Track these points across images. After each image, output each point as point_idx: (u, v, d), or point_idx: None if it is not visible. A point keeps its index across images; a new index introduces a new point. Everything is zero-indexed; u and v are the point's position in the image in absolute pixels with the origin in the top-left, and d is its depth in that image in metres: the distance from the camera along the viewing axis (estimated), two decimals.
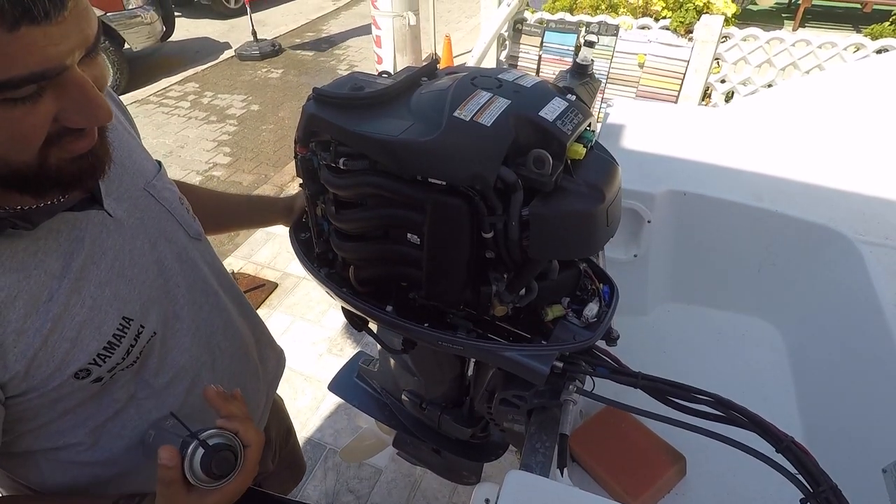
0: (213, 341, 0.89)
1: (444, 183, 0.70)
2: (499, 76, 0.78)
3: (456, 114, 0.70)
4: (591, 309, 0.87)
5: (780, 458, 0.69)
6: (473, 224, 0.72)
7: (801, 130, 1.40)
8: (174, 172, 3.87)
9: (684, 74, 3.67)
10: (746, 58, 3.60)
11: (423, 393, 1.33)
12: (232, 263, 2.89)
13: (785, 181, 1.19)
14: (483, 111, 0.70)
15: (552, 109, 0.72)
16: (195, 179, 3.79)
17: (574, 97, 0.80)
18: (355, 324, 1.04)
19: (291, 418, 2.32)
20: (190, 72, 5.65)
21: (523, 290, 0.81)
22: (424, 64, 0.89)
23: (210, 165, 3.94)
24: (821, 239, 1.07)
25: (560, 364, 0.83)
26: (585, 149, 0.73)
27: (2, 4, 0.43)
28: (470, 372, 1.28)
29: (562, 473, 0.80)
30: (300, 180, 0.95)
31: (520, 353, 0.83)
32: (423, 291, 0.87)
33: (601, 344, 0.89)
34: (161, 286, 0.80)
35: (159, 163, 0.86)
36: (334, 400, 2.08)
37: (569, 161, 0.72)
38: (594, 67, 1.19)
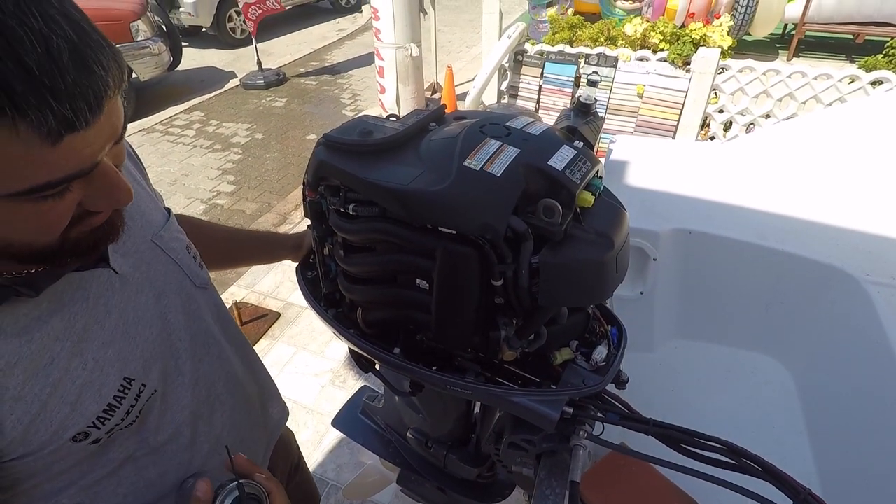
0: (213, 394, 0.88)
1: (454, 231, 0.70)
2: (507, 123, 0.79)
3: (466, 163, 0.71)
4: (600, 352, 0.87)
5: None
6: (483, 272, 0.72)
7: (805, 167, 1.42)
8: (178, 200, 3.90)
9: (683, 105, 3.72)
10: (744, 89, 3.66)
11: (428, 431, 1.31)
12: (234, 293, 2.88)
13: (790, 219, 1.20)
14: (493, 160, 0.71)
15: (561, 158, 0.73)
16: (199, 207, 3.82)
17: (581, 144, 0.81)
18: (362, 365, 1.03)
19: None
20: (195, 100, 5.74)
21: (532, 336, 0.81)
22: (432, 109, 0.90)
23: (214, 193, 3.97)
24: (827, 278, 1.07)
25: (570, 409, 0.82)
26: (594, 196, 0.74)
27: (47, 120, 0.44)
28: (476, 410, 1.26)
29: None
30: (308, 220, 0.96)
31: (529, 399, 0.82)
32: (432, 335, 0.87)
33: (610, 387, 0.88)
34: (164, 341, 0.79)
35: (168, 210, 0.87)
36: (337, 434, 2.05)
37: (578, 209, 0.72)
38: (597, 103, 1.20)
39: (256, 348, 2.54)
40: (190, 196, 3.94)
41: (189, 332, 0.84)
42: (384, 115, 0.88)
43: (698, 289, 1.24)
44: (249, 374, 1.03)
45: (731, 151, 1.55)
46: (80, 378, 0.64)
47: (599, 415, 0.84)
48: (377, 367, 1.03)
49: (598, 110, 1.23)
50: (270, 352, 2.50)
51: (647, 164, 1.44)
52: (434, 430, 1.29)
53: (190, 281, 0.86)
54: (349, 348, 1.03)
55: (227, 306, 2.69)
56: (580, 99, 1.23)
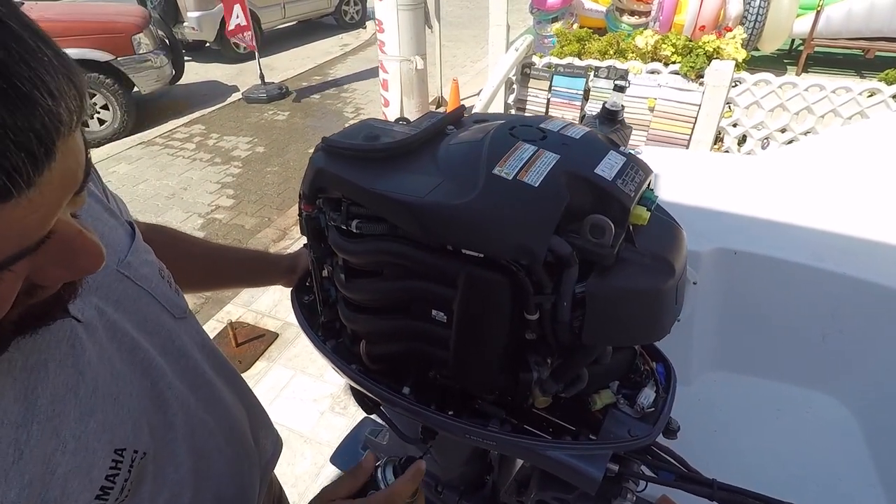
0: (210, 444, 0.73)
1: (481, 255, 0.58)
2: (541, 126, 0.67)
3: (496, 171, 0.58)
4: (647, 396, 0.74)
5: None
6: (516, 304, 0.59)
7: (865, 180, 1.29)
8: (176, 215, 3.79)
9: (695, 118, 3.62)
10: (759, 102, 3.56)
11: (438, 473, 1.17)
12: (231, 311, 2.75)
13: (850, 238, 1.07)
14: (528, 168, 0.58)
15: (610, 166, 0.60)
16: (197, 222, 3.71)
17: (630, 151, 0.69)
18: (366, 406, 0.90)
19: (290, 486, 2.14)
20: (197, 114, 5.67)
21: (571, 379, 0.68)
22: (451, 110, 0.78)
23: (213, 208, 3.86)
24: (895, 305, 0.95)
25: (615, 466, 0.69)
26: (649, 212, 0.61)
27: None
28: (494, 453, 1.12)
29: None
30: (305, 239, 0.83)
31: (567, 454, 0.69)
32: (450, 375, 0.74)
33: (658, 437, 0.75)
34: (148, 393, 0.64)
35: (131, 224, 0.71)
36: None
37: (631, 227, 0.60)
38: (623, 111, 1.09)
39: (252, 371, 2.41)
40: (188, 210, 3.83)
41: (176, 376, 0.69)
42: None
43: (743, 316, 1.10)
44: (242, 409, 0.88)
45: (770, 163, 1.43)
46: (61, 465, 0.49)
47: (651, 474, 0.70)
48: (383, 407, 0.90)
49: (624, 118, 1.11)
50: (267, 375, 2.36)
51: (679, 176, 1.32)
52: (445, 473, 1.15)
53: (169, 313, 0.71)
54: (350, 388, 0.90)
55: (223, 326, 2.57)
56: (606, 106, 1.11)
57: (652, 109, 3.72)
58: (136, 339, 0.63)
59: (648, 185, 0.66)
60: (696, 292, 1.08)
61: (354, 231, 0.66)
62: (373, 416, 1.04)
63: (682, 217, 1.10)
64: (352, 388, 0.90)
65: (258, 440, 0.90)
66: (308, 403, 2.22)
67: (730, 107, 3.68)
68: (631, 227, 0.60)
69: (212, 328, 2.65)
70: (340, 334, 0.88)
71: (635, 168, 0.62)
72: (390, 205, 0.61)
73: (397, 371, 0.83)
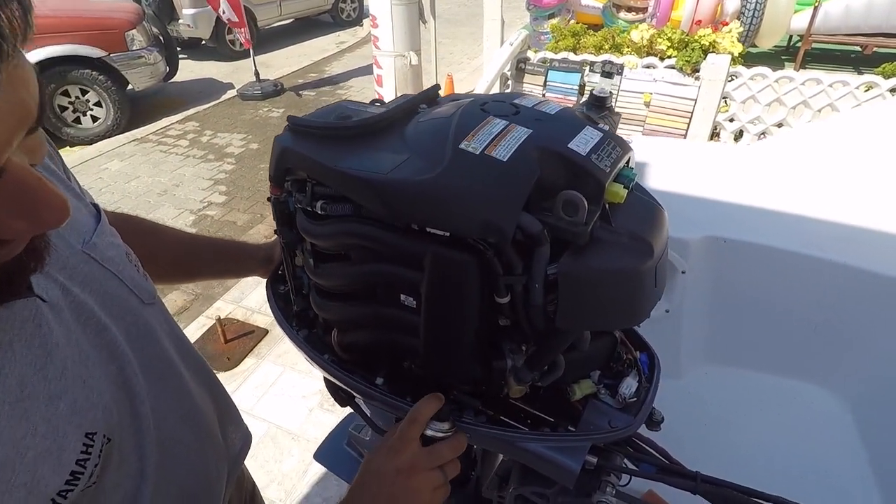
0: (175, 436, 0.70)
1: (447, 234, 0.54)
2: (515, 101, 0.64)
3: (463, 145, 0.55)
4: (629, 385, 0.71)
5: None
6: (485, 286, 0.56)
7: (861, 166, 1.26)
8: (167, 211, 3.75)
9: (692, 113, 3.59)
10: (755, 96, 3.52)
11: None
12: (220, 308, 2.72)
13: (841, 226, 1.04)
14: (497, 142, 0.55)
15: (585, 141, 0.57)
16: (189, 219, 3.67)
17: (607, 127, 0.66)
18: (340, 399, 0.87)
19: (276, 483, 2.10)
20: (191, 111, 5.63)
21: (546, 367, 0.65)
22: (425, 89, 0.75)
23: (205, 204, 3.83)
24: (891, 293, 0.91)
25: (594, 459, 0.66)
26: (627, 190, 0.58)
27: None
28: (478, 448, 1.09)
29: None
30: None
31: (543, 446, 0.66)
32: (421, 365, 0.71)
33: (641, 429, 0.71)
34: (115, 378, 0.60)
35: (96, 207, 0.69)
36: None
37: (607, 205, 0.57)
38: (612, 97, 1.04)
39: (240, 367, 2.37)
40: (180, 207, 3.80)
41: (141, 362, 0.65)
42: None
43: (733, 306, 1.07)
44: (209, 401, 0.85)
45: (764, 152, 1.39)
46: (31, 449, 0.46)
47: (632, 466, 0.67)
48: (357, 400, 0.87)
49: (612, 105, 1.08)
50: (256, 371, 2.33)
51: (669, 165, 1.29)
52: None
53: (136, 297, 0.67)
54: (324, 379, 0.86)
55: (212, 323, 2.54)
56: (594, 93, 1.07)
57: (647, 104, 3.69)
58: (104, 321, 0.60)
59: (627, 163, 0.62)
60: (685, 282, 1.04)
61: (320, 213, 0.63)
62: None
63: (670, 205, 1.06)
64: (325, 380, 0.87)
65: (226, 434, 0.87)
66: (297, 400, 2.19)
67: (726, 101, 3.65)
68: (607, 206, 0.57)
69: (201, 325, 2.62)
70: (314, 324, 0.85)
71: (612, 144, 0.59)
72: (353, 182, 0.57)
73: (371, 361, 0.80)
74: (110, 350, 0.59)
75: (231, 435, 0.89)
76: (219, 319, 2.43)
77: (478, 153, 0.54)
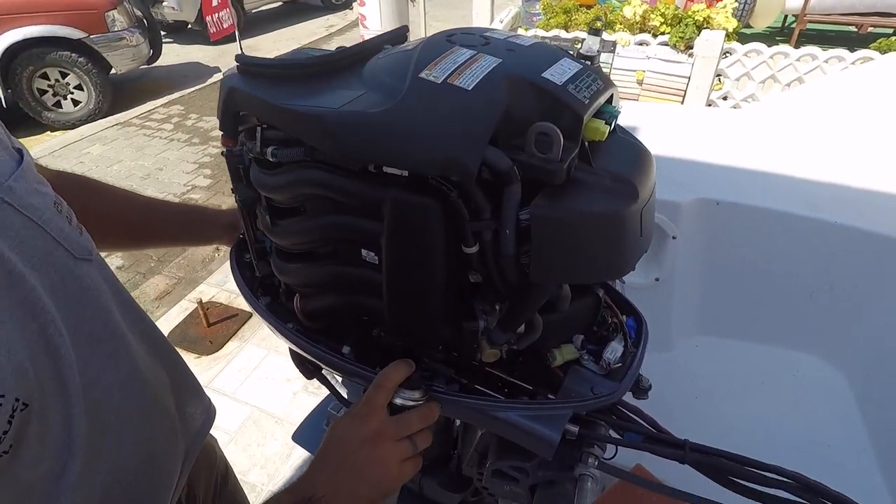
0: (109, 405, 0.64)
1: (405, 173, 0.48)
2: (485, 34, 0.57)
3: (423, 75, 0.49)
4: (614, 350, 0.65)
5: None
6: (450, 234, 0.50)
7: (861, 126, 1.20)
8: (151, 195, 3.66)
9: (685, 92, 3.52)
10: (750, 73, 3.46)
11: None
12: (203, 291, 2.65)
13: (839, 186, 0.98)
14: (462, 71, 0.49)
15: (561, 71, 0.51)
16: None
17: (588, 62, 0.59)
18: (306, 371, 0.81)
19: (259, 467, 2.06)
20: (176, 95, 5.50)
21: (522, 328, 0.59)
22: (391, 29, 0.68)
23: (189, 188, 3.74)
24: (894, 256, 0.86)
25: (575, 428, 0.61)
26: (608, 126, 0.52)
27: None
28: (459, 422, 1.04)
29: None
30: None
31: (519, 414, 0.60)
32: (388, 329, 0.65)
33: (628, 398, 0.66)
34: (35, 338, 0.54)
35: (21, 151, 0.62)
36: None
37: (586, 143, 0.51)
38: (600, 56, 0.98)
39: (223, 351, 2.32)
40: (163, 190, 3.71)
41: (72, 322, 0.58)
42: None
43: (726, 273, 1.02)
44: (161, 371, 0.78)
45: (757, 113, 1.34)
46: None
47: (616, 436, 0.62)
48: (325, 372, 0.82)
49: (601, 65, 1.02)
50: (239, 355, 2.27)
51: (660, 130, 1.23)
52: None
53: (66, 251, 0.61)
54: (289, 350, 0.81)
55: (194, 307, 2.47)
56: (581, 51, 1.01)
57: (640, 83, 3.62)
58: (20, 270, 0.53)
59: (611, 101, 0.56)
60: (676, 248, 0.99)
61: (271, 160, 0.57)
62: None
63: (660, 168, 1.01)
64: (291, 352, 0.81)
65: (183, 408, 0.81)
66: (281, 383, 2.14)
67: (720, 79, 3.58)
68: (587, 144, 0.51)
69: (184, 308, 2.55)
70: (279, 293, 0.80)
71: (592, 76, 0.52)
72: (301, 120, 0.51)
73: (337, 330, 0.74)
74: (29, 306, 0.52)
75: (190, 409, 0.83)
76: (200, 303, 2.37)
77: (439, 82, 0.48)
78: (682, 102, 3.51)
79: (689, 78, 3.46)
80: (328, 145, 0.50)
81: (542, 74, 0.49)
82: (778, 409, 0.92)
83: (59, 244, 0.59)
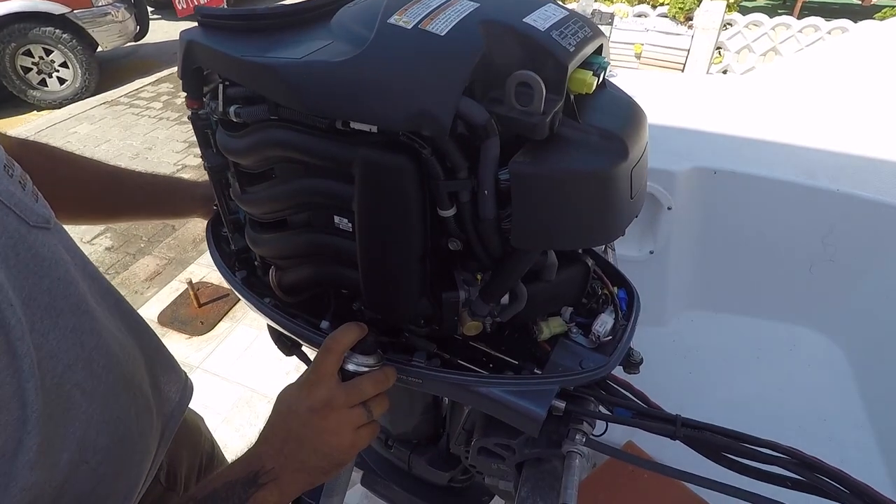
0: (69, 381, 0.60)
1: (374, 130, 0.44)
2: None
3: (392, 20, 0.44)
4: (604, 323, 0.62)
5: None
6: (424, 195, 0.46)
7: (865, 90, 1.16)
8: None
9: (684, 65, 3.45)
10: (750, 46, 3.38)
11: (388, 427, 1.07)
12: (194, 272, 2.61)
13: (844, 155, 0.94)
14: (435, 16, 0.44)
15: (545, 17, 0.47)
16: None
17: (573, 11, 0.55)
18: (284, 347, 0.78)
19: (249, 447, 2.04)
20: (164, 72, 5.38)
21: (505, 298, 0.56)
22: None
23: (179, 167, 3.67)
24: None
25: (562, 404, 0.58)
26: (596, 78, 0.47)
27: None
28: (447, 400, 1.02)
29: None
30: None
31: (503, 390, 0.57)
32: (365, 302, 0.62)
33: (618, 372, 0.63)
34: None
35: None
36: None
37: (572, 96, 0.46)
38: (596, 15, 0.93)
39: (215, 331, 2.29)
40: (152, 170, 3.64)
41: (25, 292, 0.55)
42: None
43: (723, 246, 0.99)
44: (132, 346, 0.75)
45: (755, 81, 1.29)
46: None
47: (605, 412, 0.59)
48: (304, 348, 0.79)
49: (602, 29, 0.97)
50: (231, 335, 2.25)
51: (656, 98, 1.18)
52: (395, 427, 1.05)
53: (16, 216, 0.56)
54: (267, 326, 0.78)
55: (184, 287, 2.43)
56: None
57: (639, 56, 3.54)
58: None
59: (600, 51, 0.52)
60: (671, 220, 0.95)
61: (235, 119, 0.53)
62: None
63: (655, 136, 0.96)
64: (269, 328, 0.78)
65: (157, 384, 0.78)
66: (273, 363, 2.12)
67: (720, 52, 3.50)
68: (572, 98, 0.46)
69: (174, 289, 2.52)
70: (255, 268, 0.76)
71: (579, 23, 0.48)
72: (261, 73, 0.47)
73: (315, 304, 0.71)
74: None
75: (164, 386, 0.80)
76: (190, 283, 2.33)
77: (409, 27, 0.43)
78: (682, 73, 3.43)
79: (689, 51, 3.38)
80: (290, 100, 0.46)
81: (524, 19, 0.45)
82: (774, 383, 0.89)
83: (10, 210, 0.55)
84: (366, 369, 0.55)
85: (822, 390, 0.86)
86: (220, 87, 0.54)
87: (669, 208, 0.94)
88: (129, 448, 0.69)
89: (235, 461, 0.53)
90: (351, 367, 0.55)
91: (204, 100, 0.61)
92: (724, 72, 3.56)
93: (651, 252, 0.98)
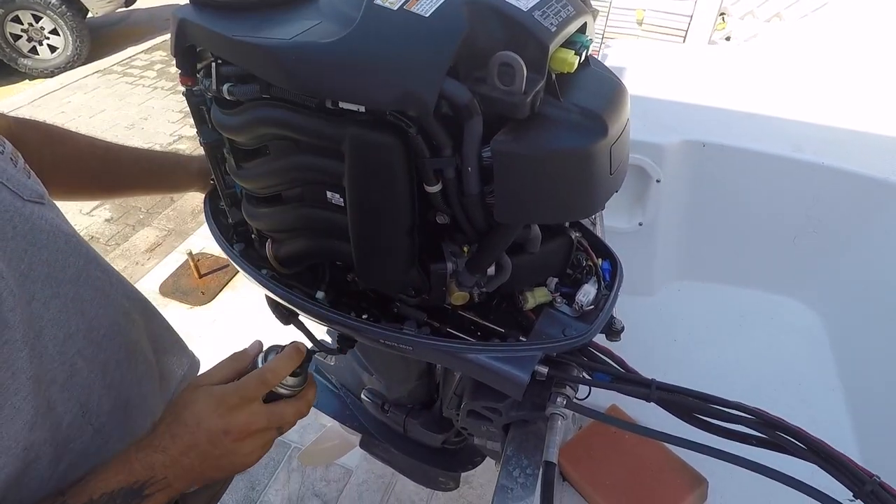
0: (70, 348, 0.63)
1: (362, 109, 0.46)
2: None
3: (378, 1, 0.45)
4: (587, 292, 0.65)
5: None
6: (411, 172, 0.48)
7: (849, 66, 1.16)
8: (135, 145, 3.57)
9: (686, 31, 3.38)
10: (754, 12, 3.31)
11: (384, 392, 1.11)
12: (194, 243, 2.64)
13: (831, 128, 0.95)
14: None
15: None
16: None
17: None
18: (282, 317, 0.81)
19: None
20: (158, 40, 5.27)
21: (491, 270, 0.58)
22: None
23: (175, 138, 3.65)
24: (881, 198, 0.84)
25: (544, 369, 0.61)
26: (578, 57, 0.49)
27: None
28: (440, 367, 1.06)
29: None
30: None
31: (489, 356, 0.61)
32: (358, 273, 0.64)
33: (600, 339, 0.67)
34: None
35: None
36: None
37: (553, 75, 0.48)
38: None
39: (216, 302, 2.33)
40: (148, 141, 3.62)
41: (19, 264, 0.57)
42: None
43: (711, 218, 1.01)
44: (136, 318, 0.78)
45: (749, 51, 1.28)
46: None
47: (585, 376, 0.63)
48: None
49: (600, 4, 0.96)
50: (232, 305, 2.29)
51: (649, 68, 1.18)
52: (391, 392, 1.10)
53: (10, 191, 0.58)
54: (265, 296, 0.81)
55: (185, 258, 2.46)
56: None
57: (640, 23, 3.47)
58: None
59: (584, 30, 0.53)
60: (660, 192, 0.97)
61: (228, 97, 0.55)
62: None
63: (644, 109, 0.97)
64: (267, 298, 0.81)
65: (160, 357, 0.81)
66: (274, 333, 2.16)
67: (723, 18, 3.43)
68: (554, 77, 0.48)
69: (175, 260, 2.55)
70: (252, 240, 0.78)
71: (562, 1, 0.49)
72: (253, 53, 0.48)
73: (310, 275, 0.74)
74: None
75: (167, 359, 0.84)
76: (190, 254, 2.36)
77: (395, 8, 0.44)
78: (683, 43, 3.38)
79: (692, 17, 3.31)
80: (280, 80, 0.47)
81: (508, 0, 0.46)
82: (754, 350, 0.93)
83: (3, 185, 0.57)
84: (286, 391, 0.56)
85: (798, 356, 0.90)
86: (213, 65, 0.55)
87: (658, 181, 0.96)
88: (132, 413, 0.73)
89: (116, 461, 0.51)
90: (277, 388, 0.55)
91: (198, 76, 0.63)
92: (728, 38, 3.49)
93: (640, 224, 1.00)
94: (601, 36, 3.54)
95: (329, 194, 0.57)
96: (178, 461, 0.50)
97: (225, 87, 0.54)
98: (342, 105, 0.47)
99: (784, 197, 0.94)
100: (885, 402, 0.77)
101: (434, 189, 0.49)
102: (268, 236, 0.71)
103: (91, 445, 0.65)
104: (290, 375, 0.56)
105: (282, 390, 0.56)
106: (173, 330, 0.88)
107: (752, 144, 0.93)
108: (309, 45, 0.45)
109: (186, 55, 0.60)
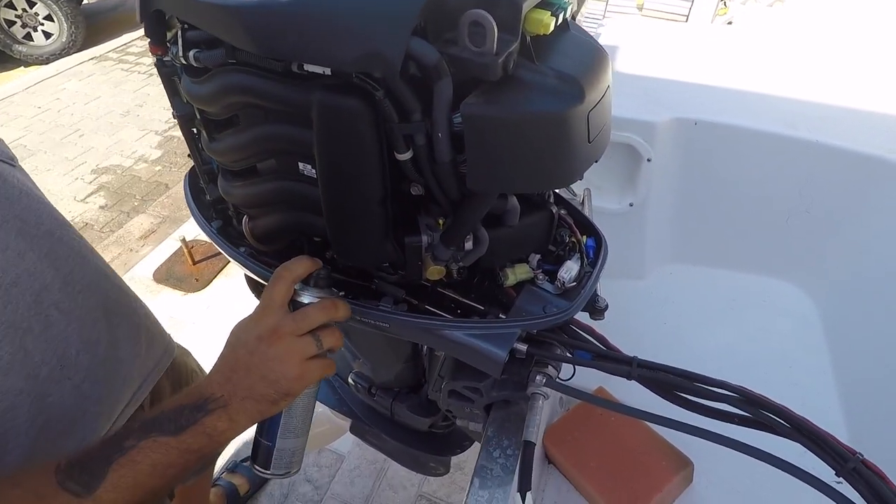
0: (49, 298, 0.64)
1: (328, 71, 0.44)
2: None
3: None
4: (570, 269, 0.64)
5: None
6: (380, 139, 0.46)
7: (843, 43, 1.13)
8: (131, 133, 3.55)
9: (687, 17, 3.33)
10: None
11: (371, 376, 1.10)
12: (188, 230, 2.62)
13: (824, 106, 0.93)
14: None
15: None
16: (153, 140, 3.48)
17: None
18: (259, 294, 0.79)
19: None
20: None
21: (469, 244, 0.57)
22: None
23: (171, 125, 3.62)
24: (875, 175, 0.82)
25: (524, 346, 0.60)
26: (554, 19, 0.47)
27: None
28: (426, 349, 1.05)
29: (523, 500, 0.57)
30: None
31: (467, 333, 0.59)
32: (333, 248, 0.63)
33: (583, 318, 0.65)
34: None
35: None
36: None
37: (528, 37, 0.46)
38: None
39: (210, 288, 2.32)
40: (144, 128, 3.59)
41: None
42: None
43: (703, 198, 0.99)
44: (116, 281, 0.78)
45: (744, 29, 1.26)
46: None
47: (566, 354, 0.61)
48: None
49: None
50: (226, 292, 2.28)
51: (643, 46, 1.16)
52: (377, 376, 1.08)
53: None
54: (244, 274, 0.79)
55: (179, 245, 2.45)
56: None
57: (641, 8, 3.42)
58: None
59: None
60: (651, 171, 0.95)
61: (195, 64, 0.53)
62: None
63: (635, 86, 0.95)
64: (245, 276, 0.79)
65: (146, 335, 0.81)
66: None
67: (725, 3, 3.38)
68: (528, 38, 0.46)
69: (169, 247, 2.53)
70: (230, 217, 0.77)
71: None
72: (215, 14, 0.46)
73: (289, 253, 0.72)
74: None
75: (148, 337, 0.84)
76: (184, 241, 2.35)
77: None
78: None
79: (693, 2, 3.26)
80: (243, 41, 0.45)
81: None
82: (745, 333, 0.92)
83: None
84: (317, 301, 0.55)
85: (789, 338, 0.88)
86: (179, 30, 0.53)
87: (649, 160, 0.94)
88: (110, 372, 0.73)
89: (188, 388, 0.54)
90: (303, 299, 0.55)
91: (168, 45, 0.61)
92: (730, 23, 3.45)
93: (631, 204, 0.98)
94: (600, 22, 3.49)
95: (301, 165, 0.55)
96: (230, 378, 0.53)
97: (191, 54, 0.52)
98: (308, 68, 0.45)
99: (777, 176, 0.92)
100: (876, 386, 0.76)
101: (404, 157, 0.47)
102: (244, 212, 0.70)
103: (68, 400, 0.65)
104: (315, 287, 0.57)
105: (312, 300, 0.56)
106: (149, 312, 0.87)
107: (745, 122, 0.90)
108: (270, 3, 0.43)
109: (154, 22, 0.58)
